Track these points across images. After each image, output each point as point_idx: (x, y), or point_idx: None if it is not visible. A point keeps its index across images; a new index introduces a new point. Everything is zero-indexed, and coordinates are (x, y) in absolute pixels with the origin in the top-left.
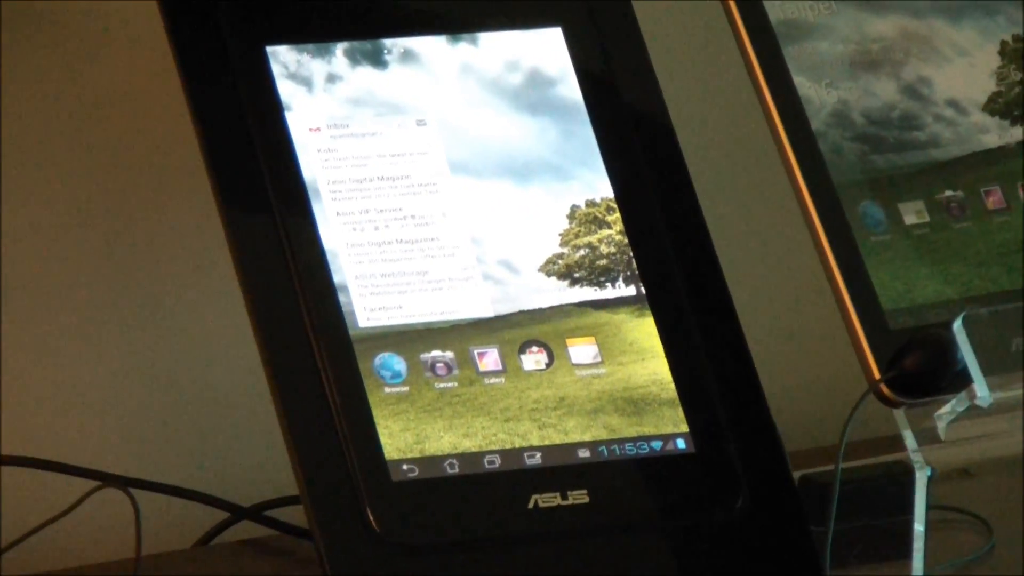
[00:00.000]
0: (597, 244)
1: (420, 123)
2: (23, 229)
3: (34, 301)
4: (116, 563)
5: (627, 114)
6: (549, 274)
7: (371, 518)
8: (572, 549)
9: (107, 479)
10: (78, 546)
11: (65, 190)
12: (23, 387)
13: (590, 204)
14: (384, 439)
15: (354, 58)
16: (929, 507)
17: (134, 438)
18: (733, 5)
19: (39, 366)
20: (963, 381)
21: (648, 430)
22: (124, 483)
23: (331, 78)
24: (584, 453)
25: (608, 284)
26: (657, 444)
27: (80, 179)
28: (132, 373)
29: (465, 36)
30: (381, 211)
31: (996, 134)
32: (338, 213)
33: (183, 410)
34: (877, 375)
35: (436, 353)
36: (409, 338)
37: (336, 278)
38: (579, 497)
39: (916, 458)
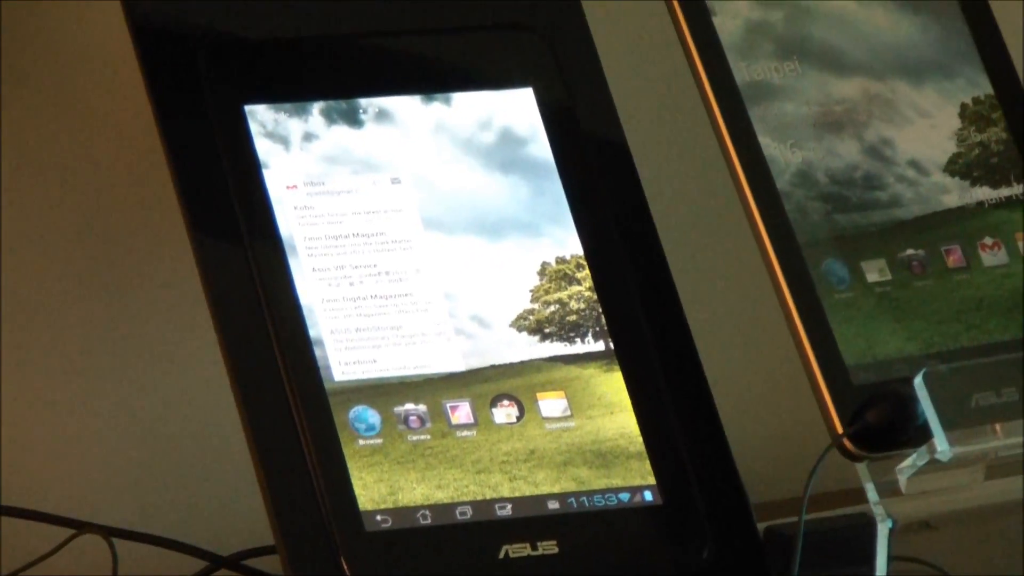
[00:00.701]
0: (567, 300)
1: (395, 181)
2: (14, 279)
3: (19, 352)
4: None
5: (596, 172)
6: (520, 329)
7: (345, 568)
8: None
9: (85, 527)
10: None
11: (55, 246)
12: (7, 435)
13: (560, 261)
14: (358, 490)
15: (330, 117)
16: (890, 558)
17: (115, 486)
18: (701, 67)
19: (24, 416)
20: (924, 435)
21: (616, 482)
22: (104, 531)
23: (308, 136)
24: (554, 504)
25: (578, 339)
26: (625, 496)
27: (68, 238)
28: (114, 423)
29: (438, 96)
30: (356, 267)
31: (956, 194)
32: (314, 269)
33: (164, 460)
34: (840, 429)
35: (409, 406)
36: (383, 391)
37: (312, 332)
38: (549, 547)
39: (878, 510)
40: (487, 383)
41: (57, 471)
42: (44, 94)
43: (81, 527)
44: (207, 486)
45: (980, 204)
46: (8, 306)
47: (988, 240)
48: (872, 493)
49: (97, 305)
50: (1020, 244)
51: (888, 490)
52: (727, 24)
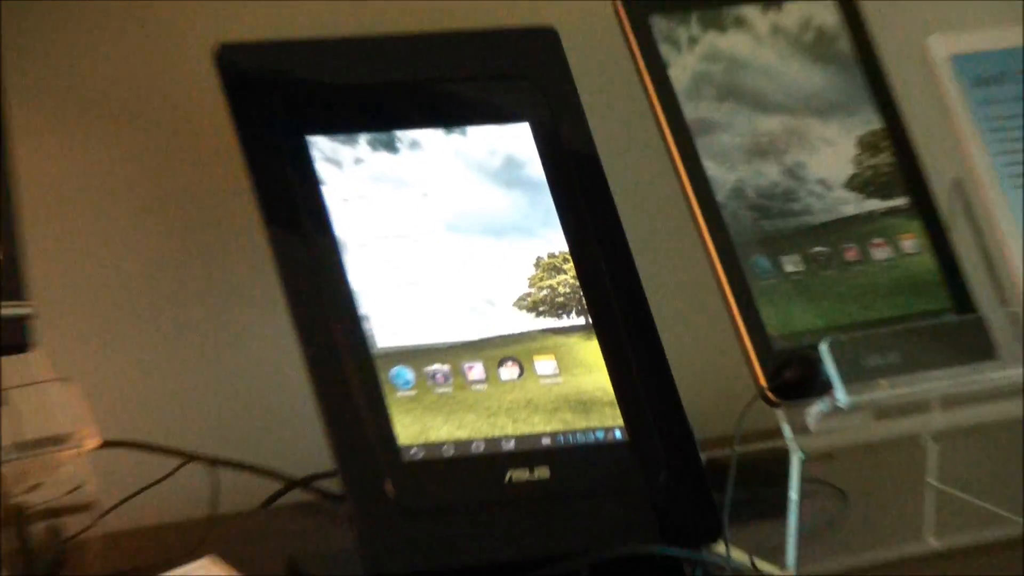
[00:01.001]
0: (556, 286)
1: (424, 195)
2: (151, 271)
3: (137, 317)
4: (195, 521)
5: (577, 188)
6: (520, 308)
7: (388, 488)
8: (537, 511)
9: (195, 457)
10: (171, 508)
11: (189, 244)
12: (127, 382)
13: (551, 256)
14: (397, 430)
15: (374, 146)
16: (801, 481)
17: (215, 423)
18: (659, 106)
19: (143, 366)
20: (827, 388)
21: (594, 423)
22: (208, 460)
23: (356, 160)
24: (546, 440)
25: (564, 315)
26: (600, 434)
27: (195, 237)
28: (218, 375)
29: (456, 129)
30: (394, 260)
31: (853, 205)
32: (362, 261)
33: (252, 407)
34: (764, 383)
35: (436, 366)
36: (416, 355)
37: (362, 311)
38: (542, 473)
39: (792, 445)
40: (495, 349)
41: (174, 411)
42: (157, 118)
43: (191, 457)
44: (284, 428)
45: (871, 213)
46: (138, 288)
47: (877, 240)
48: (788, 432)
49: (196, 281)
50: (902, 243)
51: (801, 430)
52: (679, 74)
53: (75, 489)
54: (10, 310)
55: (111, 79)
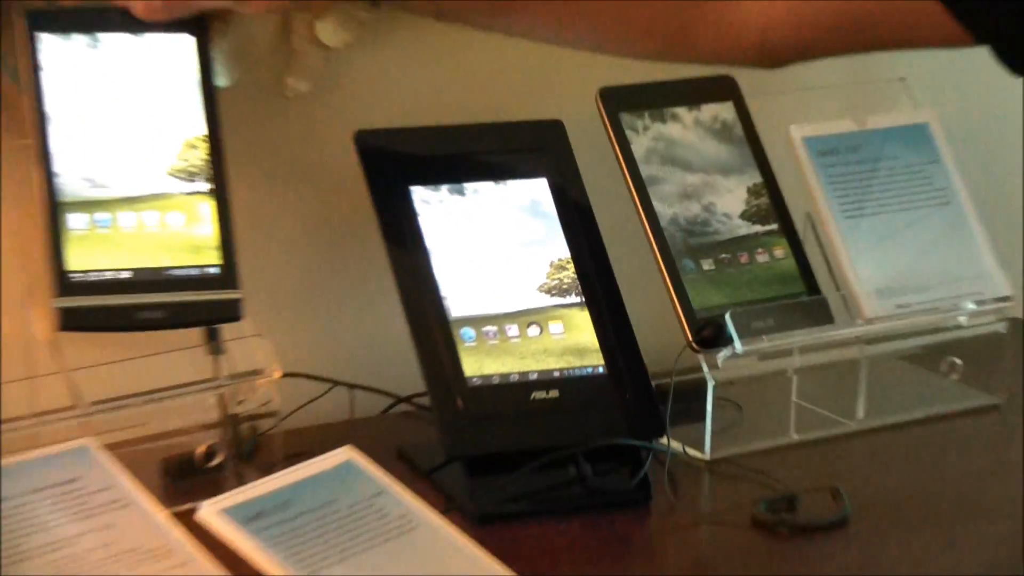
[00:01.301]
0: (562, 278)
1: (481, 222)
2: (311, 256)
3: (309, 294)
4: (340, 424)
5: (575, 217)
6: (540, 291)
7: (458, 403)
8: (550, 418)
9: (338, 383)
10: (325, 415)
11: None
12: (300, 333)
13: (559, 260)
14: (464, 367)
15: (451, 191)
16: (714, 400)
17: (353, 359)
18: (624, 165)
19: (312, 323)
20: (730, 341)
21: (586, 363)
22: (348, 385)
23: (440, 201)
24: (556, 374)
25: (569, 295)
26: (589, 370)
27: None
28: (356, 329)
29: (501, 182)
30: (464, 262)
31: (744, 229)
32: (444, 263)
33: (376, 347)
34: (690, 338)
35: (489, 327)
36: (476, 320)
37: (443, 292)
38: (554, 394)
39: (708, 376)
40: (525, 316)
41: (328, 355)
42: (332, 170)
43: (336, 383)
44: (396, 363)
45: (756, 233)
46: (313, 276)
47: (760, 250)
48: (705, 368)
49: (352, 272)
50: (775, 252)
51: (712, 367)
52: (637, 147)
53: (266, 403)
54: (228, 295)
55: (303, 147)
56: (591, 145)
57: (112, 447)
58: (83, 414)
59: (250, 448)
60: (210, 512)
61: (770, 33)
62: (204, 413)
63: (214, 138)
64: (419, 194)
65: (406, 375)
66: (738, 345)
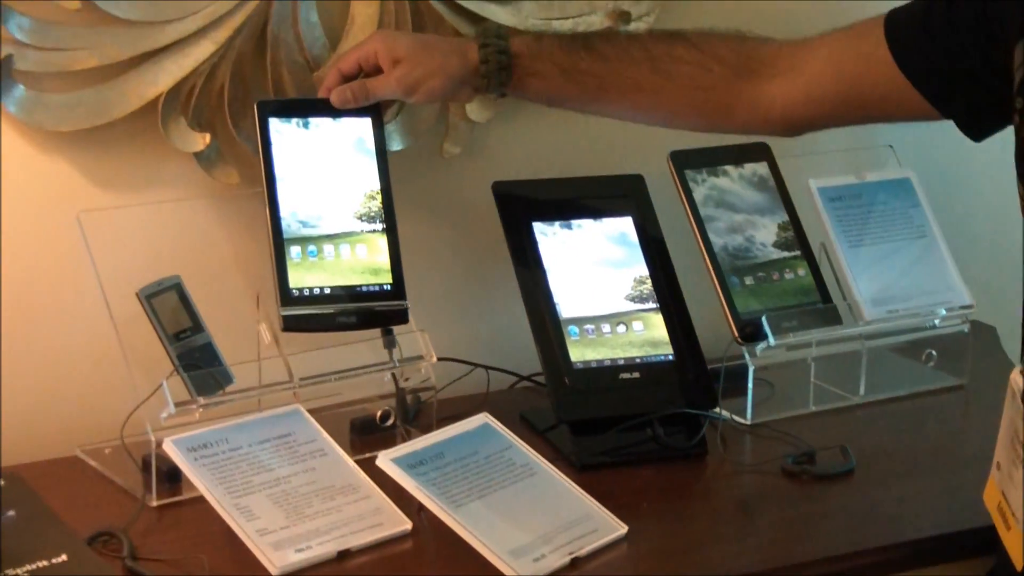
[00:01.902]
0: (643, 290)
1: (584, 249)
2: (463, 267)
3: (463, 298)
4: (478, 396)
5: (651, 244)
6: (626, 299)
7: (566, 381)
8: (632, 393)
9: (477, 365)
10: (468, 389)
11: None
12: (451, 326)
13: (640, 276)
14: (571, 355)
15: (562, 227)
16: (753, 379)
17: (490, 347)
18: (688, 209)
19: (461, 317)
20: (765, 336)
21: (659, 352)
22: (485, 367)
23: (554, 234)
24: (638, 360)
25: (648, 302)
26: (662, 357)
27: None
28: (492, 322)
29: (599, 219)
30: (571, 277)
31: (776, 255)
32: (557, 277)
33: (506, 336)
34: (736, 334)
35: (588, 326)
36: (579, 320)
37: (556, 299)
38: (635, 375)
39: (749, 362)
40: (615, 318)
41: (473, 343)
42: (486, 208)
43: (476, 365)
44: (520, 350)
45: (784, 258)
46: (468, 281)
47: (787, 270)
48: (747, 356)
49: (489, 279)
50: (798, 271)
51: (752, 355)
52: (697, 195)
53: (425, 381)
54: (398, 305)
55: (455, 194)
56: (664, 192)
57: (315, 410)
58: (294, 386)
59: (414, 413)
60: (384, 460)
61: (790, 110)
62: (381, 387)
63: (386, 191)
64: (538, 228)
65: (526, 359)
66: (771, 339)
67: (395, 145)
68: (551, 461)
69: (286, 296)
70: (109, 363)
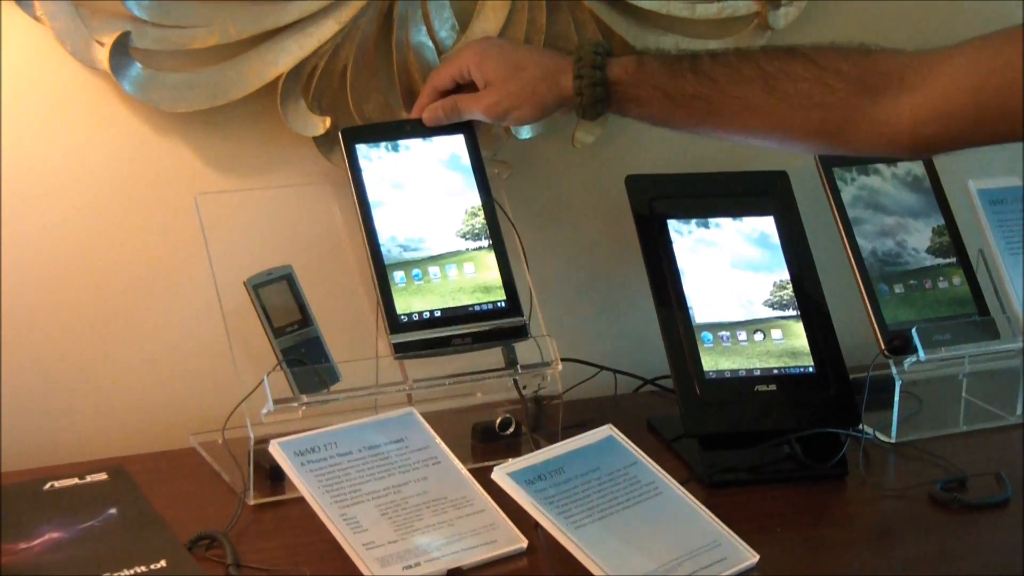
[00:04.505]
0: (782, 296)
1: (721, 249)
2: (599, 266)
3: (593, 302)
4: (605, 397)
5: (793, 246)
6: (766, 305)
7: (697, 390)
8: (769, 408)
9: (583, 361)
10: (592, 392)
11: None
12: (578, 331)
13: (780, 281)
14: (703, 362)
15: (698, 224)
16: (900, 397)
17: (619, 351)
18: (835, 209)
19: (586, 322)
20: (915, 350)
21: (799, 363)
22: (589, 364)
23: (689, 232)
24: (775, 371)
25: (788, 309)
26: (801, 369)
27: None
28: (621, 324)
29: (738, 218)
30: (706, 281)
31: (929, 261)
32: (692, 280)
33: (634, 340)
34: (883, 347)
35: (723, 332)
36: (713, 327)
37: (689, 304)
38: (772, 387)
39: (896, 378)
40: (753, 325)
41: (599, 345)
42: (615, 204)
43: (602, 368)
44: (647, 351)
45: (938, 264)
46: (596, 284)
47: (941, 279)
48: (894, 371)
49: (615, 279)
50: (953, 280)
51: (900, 371)
52: (845, 193)
53: (549, 386)
54: (515, 322)
55: (585, 187)
56: (809, 191)
57: (434, 414)
58: (407, 388)
59: (538, 417)
60: (500, 475)
61: (919, 129)
62: (507, 390)
63: (488, 206)
64: (673, 225)
65: (654, 362)
66: (922, 354)
67: (524, 133)
68: (678, 475)
69: (394, 323)
70: (223, 352)
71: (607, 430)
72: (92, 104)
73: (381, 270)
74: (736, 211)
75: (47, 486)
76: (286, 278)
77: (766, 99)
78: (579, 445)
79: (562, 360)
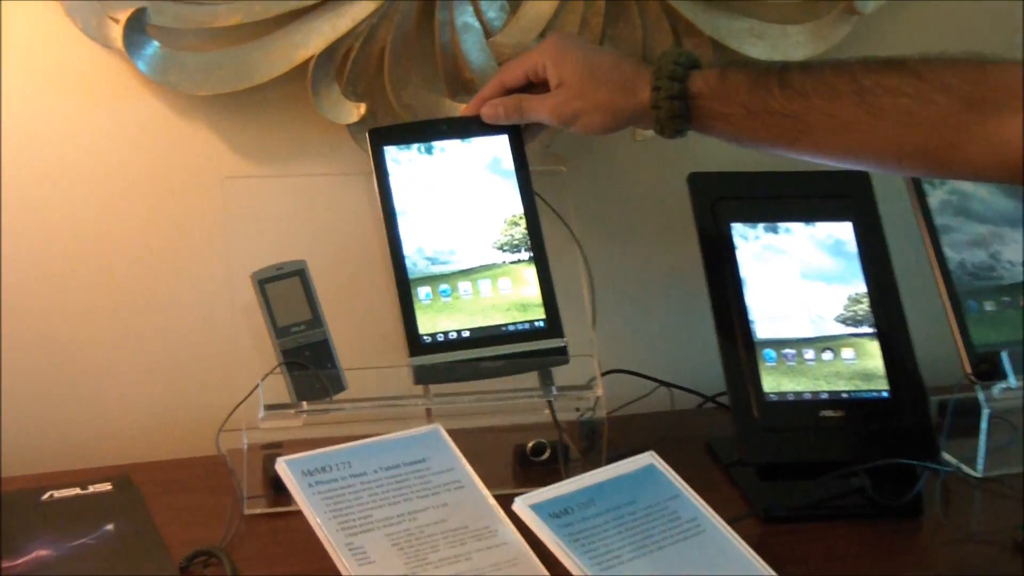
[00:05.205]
0: (857, 311)
1: (791, 257)
2: (659, 271)
3: (641, 311)
4: (662, 412)
5: (872, 256)
6: (838, 321)
7: (755, 413)
8: (836, 436)
9: (652, 379)
10: (639, 408)
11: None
12: (617, 346)
13: (856, 294)
14: (763, 382)
15: (765, 229)
16: (988, 426)
17: (669, 363)
18: (920, 217)
19: (628, 335)
20: (1005, 376)
21: (872, 387)
22: (646, 377)
23: (756, 237)
24: (844, 395)
25: (862, 326)
26: (874, 393)
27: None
28: (674, 338)
29: (812, 224)
30: (769, 293)
31: (1016, 279)
32: (754, 291)
33: (694, 353)
34: (969, 370)
35: (787, 350)
36: (778, 343)
37: (751, 317)
38: (840, 413)
39: (984, 404)
40: (823, 343)
41: (649, 358)
42: (678, 205)
43: (660, 382)
44: (709, 364)
45: None
46: (651, 293)
47: None
48: (982, 398)
49: (673, 287)
50: None
51: (989, 397)
52: (933, 198)
53: (590, 410)
54: (555, 343)
55: (644, 184)
56: (891, 195)
57: (465, 432)
58: (424, 402)
59: (591, 435)
60: (521, 506)
61: None
62: (541, 415)
63: (531, 215)
64: (738, 229)
65: (716, 376)
66: (1012, 380)
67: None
68: (733, 507)
69: (415, 344)
70: (241, 350)
71: (648, 458)
72: (105, 85)
73: (404, 285)
74: (809, 215)
75: (46, 496)
76: (298, 274)
77: (861, 116)
78: (615, 474)
79: (614, 372)
